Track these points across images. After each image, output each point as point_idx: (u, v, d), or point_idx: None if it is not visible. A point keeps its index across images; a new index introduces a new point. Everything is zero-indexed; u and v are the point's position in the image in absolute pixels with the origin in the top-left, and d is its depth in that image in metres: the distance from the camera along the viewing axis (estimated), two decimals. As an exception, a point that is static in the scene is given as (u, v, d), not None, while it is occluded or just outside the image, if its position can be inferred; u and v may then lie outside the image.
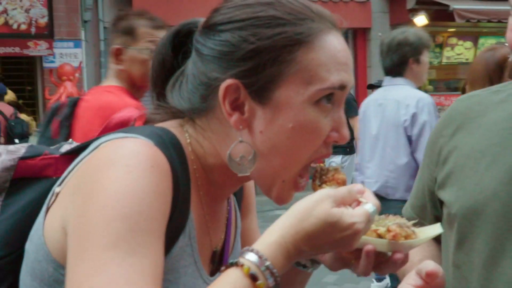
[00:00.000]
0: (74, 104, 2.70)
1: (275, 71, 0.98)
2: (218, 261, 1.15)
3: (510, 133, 1.33)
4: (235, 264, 0.88)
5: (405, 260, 1.04)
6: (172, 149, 0.99)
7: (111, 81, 2.76)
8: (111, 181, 0.88)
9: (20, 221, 1.04)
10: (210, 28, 1.04)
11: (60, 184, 0.99)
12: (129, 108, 1.11)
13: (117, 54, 2.70)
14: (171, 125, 1.06)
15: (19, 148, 1.10)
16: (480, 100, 1.44)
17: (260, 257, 0.88)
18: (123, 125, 1.14)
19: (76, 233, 0.88)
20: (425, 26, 11.57)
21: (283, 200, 1.06)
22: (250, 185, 1.32)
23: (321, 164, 1.11)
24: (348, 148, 8.00)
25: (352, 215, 0.92)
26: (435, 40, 12.64)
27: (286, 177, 1.03)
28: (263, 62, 0.98)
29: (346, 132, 1.04)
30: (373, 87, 6.12)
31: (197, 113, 1.06)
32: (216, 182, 1.09)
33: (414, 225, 1.07)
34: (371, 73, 11.93)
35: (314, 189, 1.06)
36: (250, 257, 0.88)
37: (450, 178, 1.41)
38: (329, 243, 0.92)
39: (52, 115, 2.70)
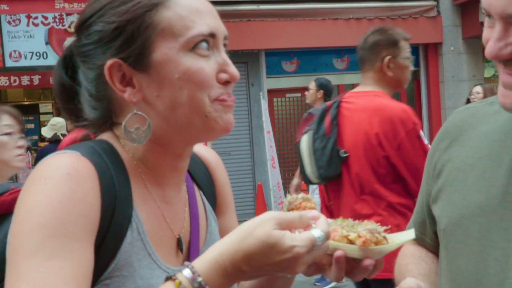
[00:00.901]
0: (338, 105, 3.37)
1: (144, 37, 1.06)
2: (189, 249, 1.19)
3: (499, 145, 1.27)
4: (170, 278, 0.94)
5: (377, 266, 1.06)
6: (104, 155, 1.07)
7: (371, 87, 3.36)
8: (30, 196, 0.97)
9: (1, 253, 1.12)
10: (79, 29, 1.13)
11: None
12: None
13: (388, 63, 3.28)
14: (107, 136, 1.15)
15: None
16: (475, 112, 1.41)
17: (193, 273, 0.93)
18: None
19: (8, 248, 0.96)
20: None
21: (226, 125, 1.11)
22: (223, 183, 1.36)
23: (292, 194, 1.16)
24: None
25: (293, 238, 0.94)
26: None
27: (204, 113, 1.09)
28: (130, 34, 1.06)
29: (233, 70, 1.11)
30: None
31: (113, 113, 1.13)
32: (156, 167, 1.15)
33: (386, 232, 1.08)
34: (444, 88, 11.60)
35: None
36: (185, 272, 0.93)
37: (442, 192, 1.38)
38: (269, 265, 0.94)
39: (323, 115, 3.37)
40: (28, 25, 9.83)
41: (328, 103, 3.49)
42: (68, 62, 1.18)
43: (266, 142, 9.08)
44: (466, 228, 1.27)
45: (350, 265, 1.06)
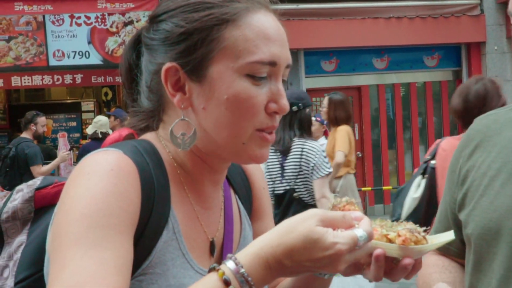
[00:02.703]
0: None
1: (206, 49, 1.07)
2: (220, 252, 1.21)
3: None
4: (214, 269, 0.95)
5: (416, 266, 1.05)
6: (146, 155, 1.09)
7: None
8: (74, 189, 0.99)
9: (41, 243, 1.19)
10: (151, 21, 1.15)
11: None
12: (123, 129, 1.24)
13: None
14: (149, 136, 1.17)
15: (36, 181, 1.27)
16: (497, 118, 1.41)
17: (236, 264, 0.95)
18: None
19: (52, 238, 1.00)
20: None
21: (259, 158, 1.12)
22: (261, 188, 1.37)
23: (338, 197, 1.16)
24: None
25: (336, 235, 0.95)
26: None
27: (242, 140, 1.09)
28: (194, 42, 1.07)
29: (284, 102, 1.10)
30: None
31: (161, 109, 1.16)
32: (194, 174, 1.17)
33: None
34: (487, 89, 11.36)
35: None
36: (228, 264, 0.95)
37: (468, 197, 1.38)
38: (310, 260, 0.95)
39: None
40: (71, 25, 10.01)
41: None
42: (136, 45, 1.20)
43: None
44: (495, 231, 1.27)
45: (389, 265, 1.06)
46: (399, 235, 1.04)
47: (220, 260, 1.19)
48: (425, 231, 1.08)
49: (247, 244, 1.22)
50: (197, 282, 0.96)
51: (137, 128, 1.21)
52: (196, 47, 1.07)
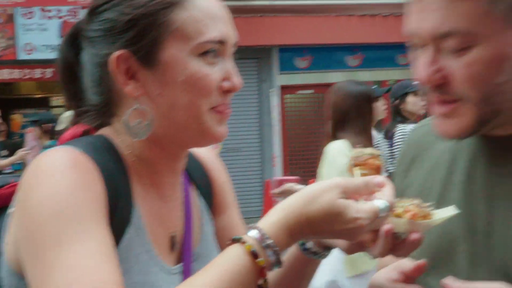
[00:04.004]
0: None
1: (155, 34, 1.06)
2: (181, 248, 1.19)
3: (449, 167, 1.23)
4: (238, 241, 0.93)
5: (420, 241, 1.04)
6: (104, 151, 1.08)
7: None
8: (37, 190, 0.96)
9: None
10: (92, 13, 1.12)
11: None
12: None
13: None
14: (106, 131, 1.14)
15: None
16: (430, 129, 1.27)
17: (262, 234, 0.93)
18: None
19: (24, 243, 0.96)
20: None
21: (218, 135, 1.12)
22: (221, 182, 1.35)
23: (359, 148, 1.13)
24: None
25: (358, 210, 0.95)
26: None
27: (200, 120, 1.09)
28: (143, 28, 1.06)
29: (237, 80, 1.11)
30: None
31: (112, 103, 1.13)
32: (153, 166, 1.15)
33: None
34: None
35: (349, 169, 1.12)
36: (253, 234, 0.93)
37: None
38: (331, 232, 0.96)
39: None
40: (42, 18, 9.86)
41: None
42: (74, 41, 1.17)
43: (274, 139, 9.06)
44: (431, 252, 1.22)
45: (393, 242, 1.04)
46: (407, 210, 1.03)
47: (180, 256, 1.17)
48: (429, 206, 1.07)
49: (207, 239, 1.24)
50: (219, 257, 0.94)
51: (92, 124, 1.18)
52: (145, 33, 1.06)
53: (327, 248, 1.22)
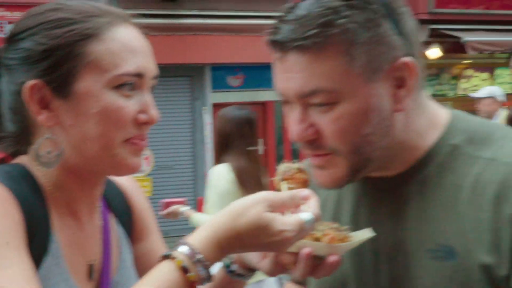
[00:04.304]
0: None
1: (71, 65, 1.06)
2: (100, 276, 1.19)
3: (338, 206, 1.28)
4: (168, 257, 0.95)
5: (339, 263, 1.07)
6: (20, 179, 1.07)
7: None
8: None
9: None
10: (10, 41, 1.12)
11: None
12: None
13: None
14: (23, 160, 1.13)
15: None
16: None
17: (192, 250, 0.95)
18: None
19: None
20: (440, 58, 11.54)
21: (131, 167, 1.12)
22: (141, 209, 1.35)
23: (287, 163, 1.16)
24: None
25: (284, 222, 0.98)
26: (450, 72, 12.60)
27: (112, 152, 1.09)
28: (58, 59, 1.06)
29: (154, 113, 1.12)
30: None
31: (28, 131, 1.12)
32: (70, 194, 1.14)
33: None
34: None
35: (276, 184, 1.14)
36: (183, 250, 0.95)
37: None
38: (259, 245, 0.99)
39: None
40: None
41: None
42: None
43: (207, 156, 9.05)
44: None
45: (313, 264, 1.07)
46: (325, 234, 1.06)
47: (99, 284, 1.17)
48: (345, 229, 1.10)
49: (126, 267, 1.23)
50: (149, 274, 0.95)
51: (8, 151, 1.17)
52: (60, 64, 1.06)
53: (252, 270, 1.23)
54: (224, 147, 3.95)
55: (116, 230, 1.27)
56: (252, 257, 1.15)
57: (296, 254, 1.04)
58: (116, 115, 1.07)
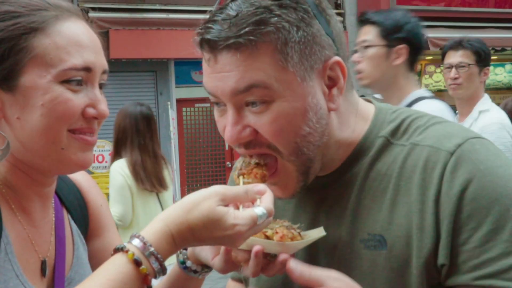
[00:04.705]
0: None
1: (15, 59, 1.05)
2: (53, 273, 1.18)
3: (297, 211, 1.29)
4: (121, 250, 0.95)
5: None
6: None
7: None
8: None
9: None
10: None
11: None
12: None
13: None
14: None
15: None
16: None
17: (144, 243, 0.95)
18: None
19: None
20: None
21: (81, 162, 1.11)
22: (97, 205, 1.35)
23: (246, 158, 1.14)
24: None
25: (236, 217, 0.98)
26: (412, 68, 12.76)
27: (60, 146, 1.08)
28: (2, 53, 1.05)
29: (102, 108, 1.11)
30: None
31: None
32: (20, 191, 1.13)
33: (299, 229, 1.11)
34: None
35: (234, 179, 1.14)
36: (135, 243, 0.95)
37: None
38: (212, 238, 0.98)
39: None
40: None
41: None
42: None
43: (172, 152, 9.01)
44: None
45: (265, 262, 1.08)
46: (276, 232, 1.07)
47: (52, 280, 1.16)
48: (298, 228, 1.11)
49: (80, 263, 1.22)
50: (102, 267, 0.94)
51: None
52: (4, 57, 1.05)
53: (206, 266, 1.24)
54: (123, 142, 4.01)
55: (70, 226, 1.26)
56: (205, 254, 1.15)
57: (247, 251, 1.05)
58: (62, 108, 1.06)
